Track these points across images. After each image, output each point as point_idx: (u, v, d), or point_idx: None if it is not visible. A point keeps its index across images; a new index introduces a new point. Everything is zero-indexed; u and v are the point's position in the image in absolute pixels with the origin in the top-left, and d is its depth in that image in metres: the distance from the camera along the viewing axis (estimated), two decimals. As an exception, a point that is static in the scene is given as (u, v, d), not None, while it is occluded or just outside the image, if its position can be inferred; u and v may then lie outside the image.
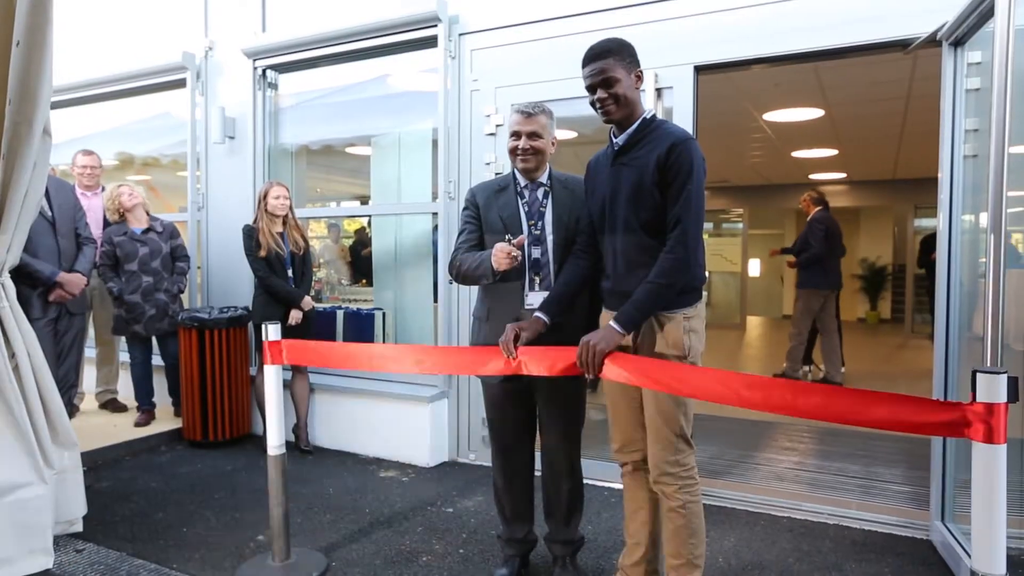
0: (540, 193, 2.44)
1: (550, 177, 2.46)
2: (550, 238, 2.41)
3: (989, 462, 1.53)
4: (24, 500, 2.60)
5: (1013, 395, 1.51)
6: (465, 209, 2.53)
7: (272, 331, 2.68)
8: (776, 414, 1.85)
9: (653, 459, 2.15)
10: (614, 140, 2.18)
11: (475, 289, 2.66)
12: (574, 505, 2.62)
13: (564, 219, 2.40)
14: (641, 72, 2.12)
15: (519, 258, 2.19)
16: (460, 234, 2.51)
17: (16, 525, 2.58)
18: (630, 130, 2.12)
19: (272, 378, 2.70)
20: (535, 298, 2.36)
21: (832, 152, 8.44)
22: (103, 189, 4.65)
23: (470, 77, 3.99)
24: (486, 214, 2.45)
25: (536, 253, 2.41)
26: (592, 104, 2.13)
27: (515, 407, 2.52)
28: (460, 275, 2.43)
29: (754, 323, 11.96)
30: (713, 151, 8.61)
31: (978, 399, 1.52)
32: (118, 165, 6.01)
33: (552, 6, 3.73)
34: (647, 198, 2.06)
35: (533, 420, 2.58)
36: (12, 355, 2.65)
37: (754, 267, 13.26)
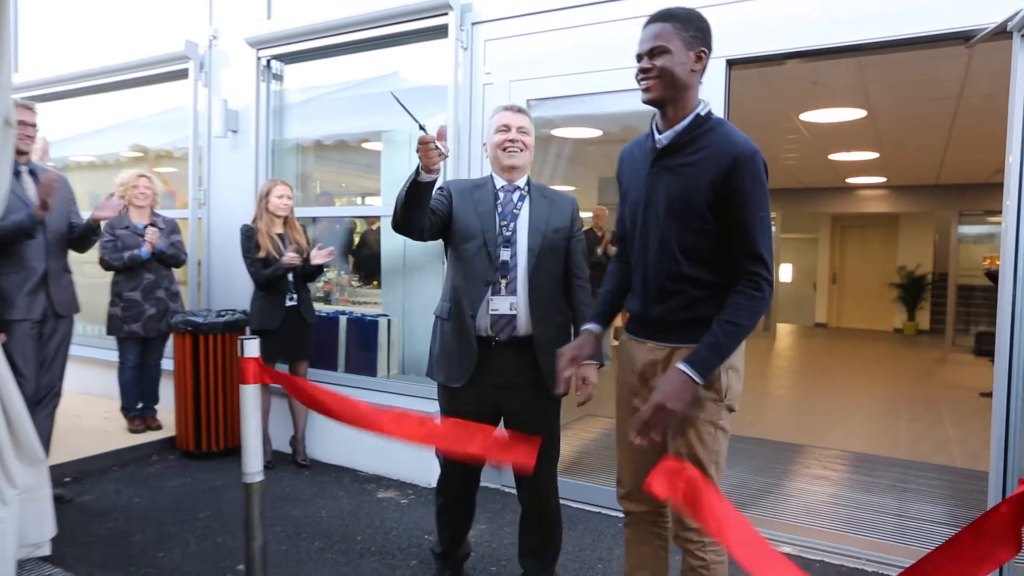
0: (516, 196, 2.33)
1: (528, 184, 2.37)
2: (523, 242, 2.28)
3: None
4: (-18, 524, 2.39)
5: None
6: (438, 190, 2.34)
7: (250, 347, 2.43)
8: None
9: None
10: (657, 135, 1.78)
11: None
12: (548, 546, 2.47)
13: (541, 227, 2.29)
14: (704, 52, 1.72)
15: (445, 152, 1.86)
16: None
17: (-28, 552, 2.37)
18: (679, 127, 1.73)
19: (251, 398, 2.44)
20: (500, 302, 2.24)
21: (873, 155, 8.00)
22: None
23: (483, 70, 3.70)
24: (459, 208, 2.31)
25: (505, 255, 2.26)
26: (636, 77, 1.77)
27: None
28: (396, 211, 2.07)
29: (784, 331, 11.52)
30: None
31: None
32: (130, 160, 5.85)
33: (573, -7, 3.43)
34: (694, 220, 1.71)
35: None
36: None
37: (786, 272, 12.80)
